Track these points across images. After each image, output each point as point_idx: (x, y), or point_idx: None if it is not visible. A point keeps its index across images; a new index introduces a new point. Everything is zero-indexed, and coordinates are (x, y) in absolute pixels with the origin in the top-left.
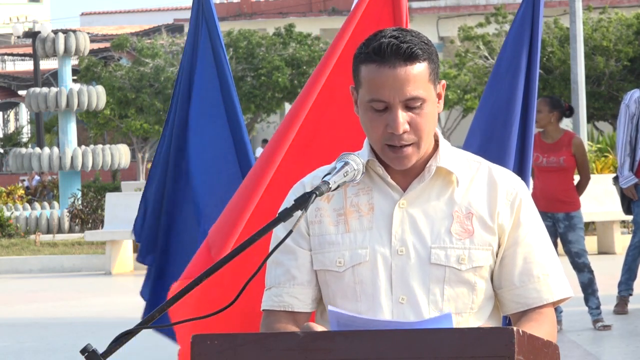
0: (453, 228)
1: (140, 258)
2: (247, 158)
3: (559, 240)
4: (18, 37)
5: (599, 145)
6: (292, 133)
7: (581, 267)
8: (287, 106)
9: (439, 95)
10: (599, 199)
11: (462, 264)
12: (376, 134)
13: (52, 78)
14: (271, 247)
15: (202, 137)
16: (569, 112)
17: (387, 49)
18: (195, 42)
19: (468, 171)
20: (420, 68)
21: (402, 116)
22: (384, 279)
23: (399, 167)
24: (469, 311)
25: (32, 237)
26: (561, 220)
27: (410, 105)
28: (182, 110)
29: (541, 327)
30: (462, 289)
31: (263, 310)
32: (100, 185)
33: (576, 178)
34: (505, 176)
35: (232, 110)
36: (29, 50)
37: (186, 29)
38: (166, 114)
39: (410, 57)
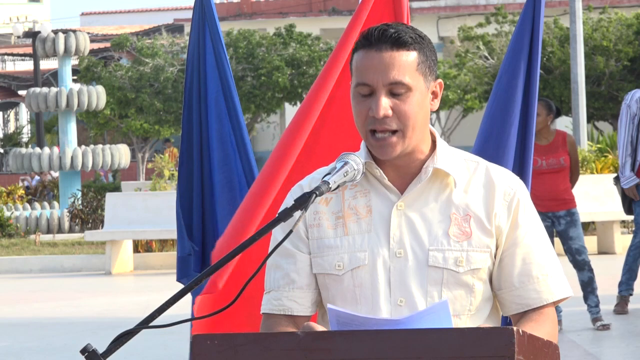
0: (451, 230)
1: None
2: (248, 158)
3: (556, 240)
4: (18, 37)
5: (599, 145)
6: (301, 136)
7: (581, 264)
8: (287, 106)
9: (434, 94)
10: (599, 199)
11: (459, 267)
12: (360, 119)
13: (52, 78)
14: (270, 249)
15: (210, 137)
16: (558, 113)
17: (374, 33)
18: (199, 41)
19: (466, 172)
20: (407, 55)
21: (385, 101)
22: (383, 282)
23: (383, 156)
24: (467, 313)
25: (32, 237)
26: (562, 217)
27: (394, 91)
28: (202, 111)
29: (541, 327)
30: (460, 291)
31: (262, 313)
32: (100, 185)
33: None
34: (503, 176)
35: (233, 110)
36: (29, 50)
37: (186, 29)
38: (166, 114)
39: (397, 42)
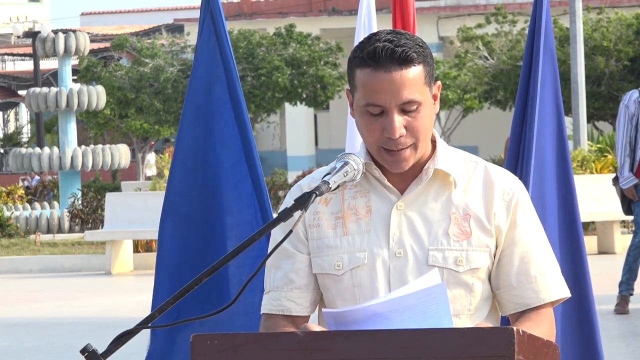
0: (450, 230)
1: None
2: (253, 156)
3: None
4: (18, 37)
5: (599, 145)
6: None
7: None
8: (287, 106)
9: (434, 96)
10: (599, 199)
11: (459, 266)
12: (372, 138)
13: (52, 78)
14: (270, 249)
15: (214, 136)
16: None
17: (381, 53)
18: (209, 41)
19: (465, 172)
20: (415, 71)
21: (398, 120)
22: (383, 282)
23: (396, 170)
24: (466, 312)
25: (32, 237)
26: None
27: (406, 108)
28: (209, 112)
29: (539, 327)
30: (459, 290)
31: (262, 314)
32: (100, 185)
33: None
34: (502, 176)
35: (238, 108)
36: (29, 50)
37: (186, 29)
38: (166, 114)
39: (405, 61)
